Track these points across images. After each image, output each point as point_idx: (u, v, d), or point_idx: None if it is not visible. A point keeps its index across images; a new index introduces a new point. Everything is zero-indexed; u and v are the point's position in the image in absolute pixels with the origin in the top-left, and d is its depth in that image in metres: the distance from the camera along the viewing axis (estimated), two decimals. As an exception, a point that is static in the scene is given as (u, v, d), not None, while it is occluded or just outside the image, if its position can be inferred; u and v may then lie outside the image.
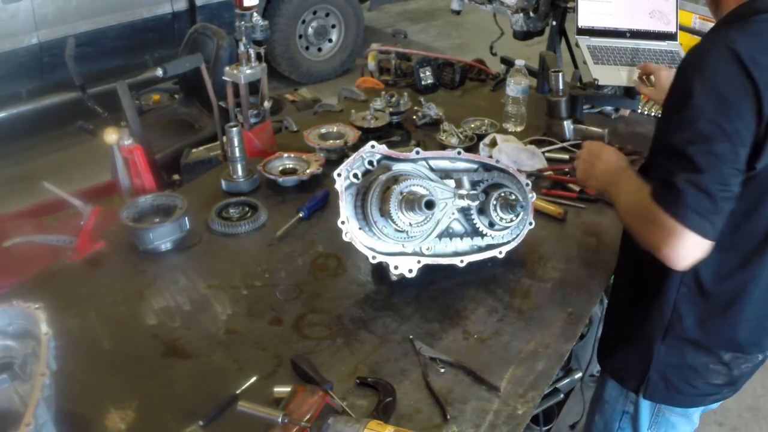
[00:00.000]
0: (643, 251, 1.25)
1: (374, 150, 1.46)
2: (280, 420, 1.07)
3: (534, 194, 1.63)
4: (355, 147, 2.07)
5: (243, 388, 1.26)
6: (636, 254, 1.32)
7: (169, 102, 3.44)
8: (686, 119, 1.17)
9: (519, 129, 2.27)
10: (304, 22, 5.15)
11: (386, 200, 1.37)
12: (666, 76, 1.91)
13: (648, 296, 1.41)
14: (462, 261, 1.51)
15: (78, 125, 2.92)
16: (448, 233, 1.52)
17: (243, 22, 2.03)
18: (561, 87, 2.14)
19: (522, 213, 1.53)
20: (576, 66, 2.82)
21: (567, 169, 1.98)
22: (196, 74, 2.47)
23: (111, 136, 1.93)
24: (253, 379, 1.29)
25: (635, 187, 1.30)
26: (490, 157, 1.98)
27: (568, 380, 2.08)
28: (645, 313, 1.42)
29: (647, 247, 1.23)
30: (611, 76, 2.33)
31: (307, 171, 1.94)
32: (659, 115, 1.41)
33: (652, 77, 2.00)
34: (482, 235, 1.54)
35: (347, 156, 2.03)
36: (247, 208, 1.81)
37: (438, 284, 1.54)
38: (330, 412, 1.14)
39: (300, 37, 5.18)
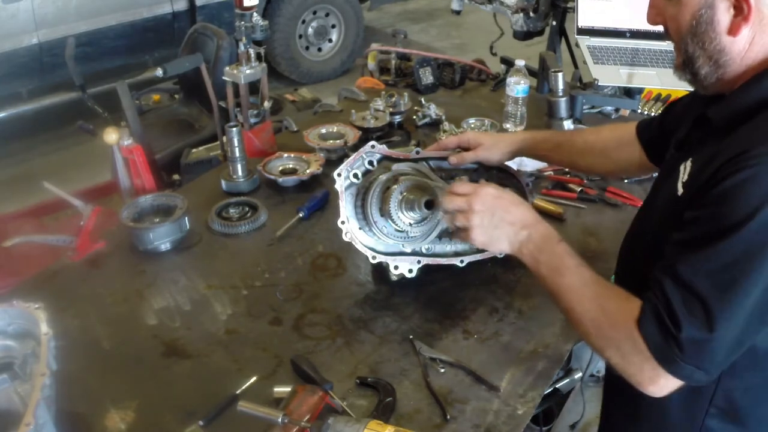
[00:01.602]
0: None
1: (374, 150, 1.46)
2: (280, 420, 1.07)
3: (534, 195, 1.62)
4: (355, 147, 2.07)
5: (243, 388, 1.26)
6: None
7: (169, 102, 3.44)
8: (720, 256, 0.94)
9: (519, 129, 2.27)
10: (304, 22, 5.15)
11: (386, 200, 1.37)
12: (474, 137, 1.57)
13: (670, 424, 1.22)
14: (462, 261, 1.51)
15: (78, 125, 2.93)
16: (448, 233, 1.51)
17: (243, 22, 2.03)
18: (561, 87, 2.14)
19: None
20: (576, 66, 2.82)
21: (567, 169, 1.98)
22: (196, 74, 2.48)
23: (111, 136, 1.93)
24: (253, 379, 1.29)
25: (590, 288, 1.09)
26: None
27: (568, 380, 2.07)
28: None
29: (616, 368, 1.06)
30: (611, 76, 2.33)
31: (307, 171, 1.94)
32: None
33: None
34: None
35: (347, 156, 2.04)
36: (247, 208, 1.81)
37: (438, 284, 1.54)
38: (330, 412, 1.14)
39: (300, 37, 5.18)
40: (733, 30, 1.00)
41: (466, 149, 1.56)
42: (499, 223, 1.19)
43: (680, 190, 1.07)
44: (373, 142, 1.46)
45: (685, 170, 1.09)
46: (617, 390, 1.37)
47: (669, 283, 0.98)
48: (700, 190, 1.00)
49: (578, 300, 1.10)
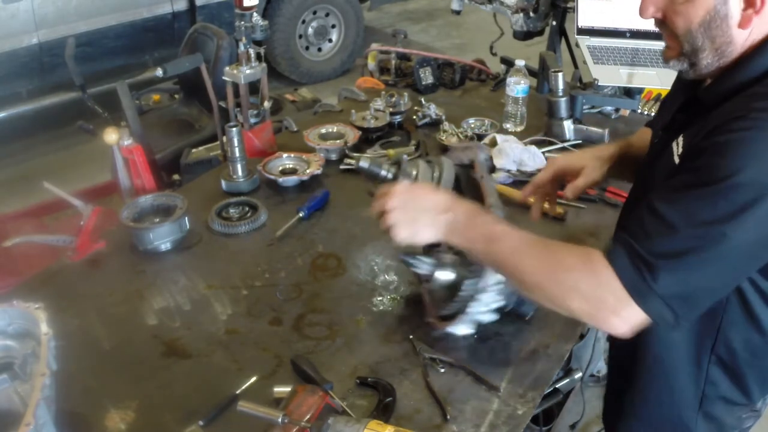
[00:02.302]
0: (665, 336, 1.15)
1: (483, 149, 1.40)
2: (280, 420, 1.07)
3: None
4: (356, 147, 2.07)
5: (243, 388, 1.26)
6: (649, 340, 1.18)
7: (169, 102, 3.44)
8: (704, 204, 0.95)
9: (519, 129, 2.27)
10: (304, 22, 5.15)
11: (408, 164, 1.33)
12: (568, 164, 1.49)
13: (673, 375, 1.26)
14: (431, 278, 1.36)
15: (78, 125, 2.92)
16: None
17: (243, 22, 2.04)
18: (561, 87, 2.14)
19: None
20: (576, 66, 2.82)
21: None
22: (196, 74, 2.48)
23: (111, 136, 1.93)
24: (253, 379, 1.29)
25: (532, 245, 1.08)
26: (490, 157, 1.98)
27: (568, 380, 2.07)
28: (672, 392, 1.28)
29: (579, 313, 1.05)
30: (611, 76, 2.33)
31: (307, 171, 1.94)
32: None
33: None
34: None
35: (347, 156, 2.04)
36: (247, 208, 1.81)
37: (438, 284, 1.53)
38: (330, 412, 1.14)
39: (300, 37, 5.18)
40: (743, 23, 1.02)
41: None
42: (416, 215, 1.17)
43: (677, 161, 1.09)
44: (487, 150, 1.39)
45: (678, 146, 1.10)
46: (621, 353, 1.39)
47: (649, 218, 0.99)
48: (692, 152, 1.02)
49: (523, 257, 1.09)
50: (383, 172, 1.32)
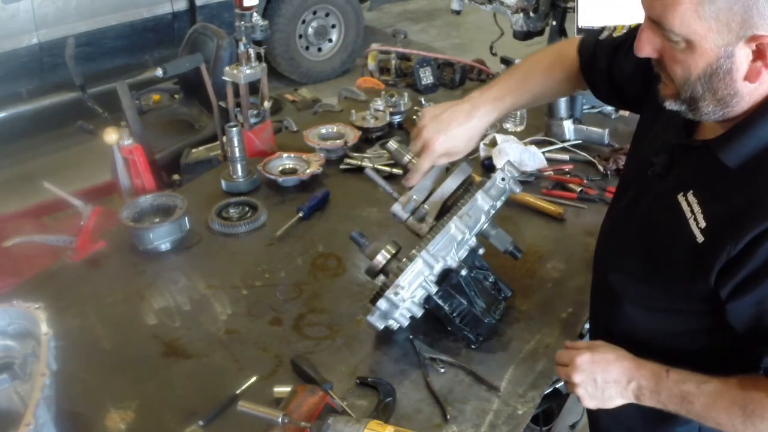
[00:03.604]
0: None
1: (510, 170, 1.39)
2: (280, 420, 1.07)
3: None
4: (356, 147, 2.07)
5: (243, 388, 1.26)
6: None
7: (169, 102, 3.44)
8: None
9: (519, 129, 2.27)
10: (304, 22, 5.15)
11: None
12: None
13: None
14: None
15: (78, 125, 2.93)
16: None
17: (243, 22, 2.04)
18: (561, 87, 2.13)
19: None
20: (576, 66, 2.82)
21: (567, 169, 1.99)
22: (196, 74, 2.48)
23: (111, 136, 1.93)
24: (253, 379, 1.29)
25: (723, 396, 1.07)
26: (490, 157, 1.98)
27: (568, 380, 2.07)
28: None
29: None
30: (611, 76, 2.32)
31: (307, 171, 1.94)
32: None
33: None
34: None
35: (347, 156, 2.04)
36: (247, 208, 1.81)
37: (438, 284, 1.53)
38: (330, 412, 1.14)
39: (300, 37, 5.18)
40: (752, 76, 0.95)
41: None
42: (604, 386, 1.17)
43: (699, 237, 1.03)
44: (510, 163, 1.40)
45: (692, 208, 1.05)
46: None
47: None
48: (738, 260, 0.99)
49: (718, 413, 1.08)
50: (406, 158, 1.40)
